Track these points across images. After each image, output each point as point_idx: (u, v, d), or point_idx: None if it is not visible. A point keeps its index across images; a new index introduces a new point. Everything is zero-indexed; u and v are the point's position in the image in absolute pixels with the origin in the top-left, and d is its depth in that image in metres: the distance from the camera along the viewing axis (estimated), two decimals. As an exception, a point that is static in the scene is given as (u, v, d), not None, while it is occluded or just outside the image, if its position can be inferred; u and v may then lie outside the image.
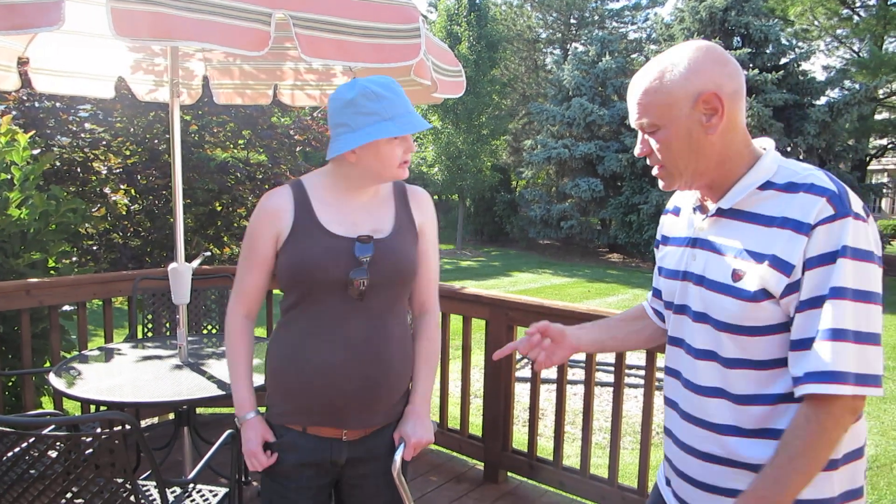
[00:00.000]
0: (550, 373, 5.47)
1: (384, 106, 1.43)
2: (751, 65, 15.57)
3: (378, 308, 1.54)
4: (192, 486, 2.13)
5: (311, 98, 3.62)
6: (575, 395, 5.38)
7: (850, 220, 1.09)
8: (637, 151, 1.29)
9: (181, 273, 2.63)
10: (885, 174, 26.50)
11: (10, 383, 3.62)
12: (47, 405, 3.78)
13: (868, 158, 19.77)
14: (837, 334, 1.07)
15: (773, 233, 1.14)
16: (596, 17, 28.23)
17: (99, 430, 2.43)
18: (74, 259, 4.48)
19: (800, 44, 17.36)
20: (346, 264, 1.49)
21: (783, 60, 16.18)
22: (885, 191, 19.99)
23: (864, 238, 1.10)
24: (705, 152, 1.21)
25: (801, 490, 1.12)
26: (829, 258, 1.09)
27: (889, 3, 18.70)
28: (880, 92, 18.19)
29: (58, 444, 1.51)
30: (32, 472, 1.54)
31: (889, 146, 20.48)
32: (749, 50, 15.49)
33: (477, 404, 5.19)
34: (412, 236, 1.61)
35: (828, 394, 1.07)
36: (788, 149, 15.15)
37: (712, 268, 1.22)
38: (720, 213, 1.24)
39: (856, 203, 1.12)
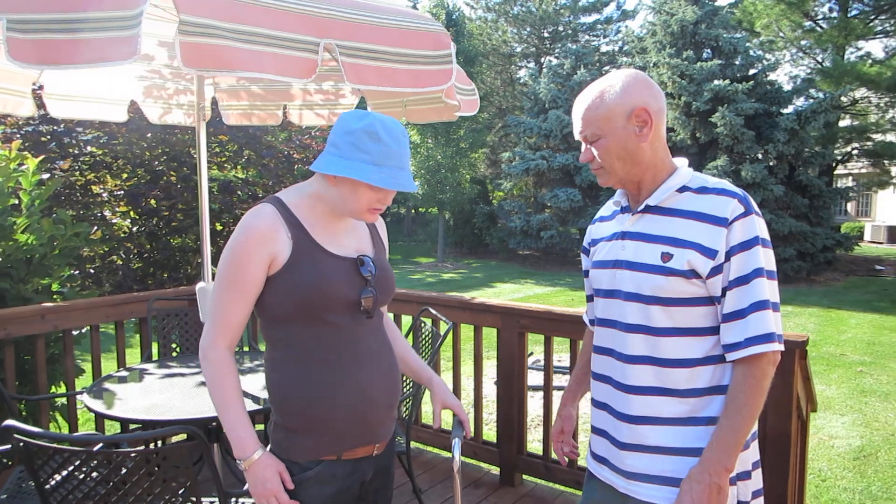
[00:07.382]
0: (563, 381, 5.57)
1: (379, 150, 1.41)
2: (721, 76, 16.01)
3: (377, 322, 1.62)
4: (236, 499, 2.18)
5: (320, 117, 3.70)
6: (586, 401, 5.48)
7: (755, 217, 1.41)
8: (581, 158, 1.53)
9: (209, 292, 2.69)
10: (851, 178, 27.29)
11: (20, 409, 3.59)
12: (53, 430, 3.76)
13: (835, 164, 20.38)
14: (765, 305, 1.38)
15: (691, 224, 1.43)
16: (569, 31, 28.72)
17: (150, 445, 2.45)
18: (77, 283, 4.47)
19: (767, 55, 17.90)
20: (355, 283, 1.53)
21: (752, 71, 16.66)
22: (850, 194, 20.65)
23: (766, 231, 1.43)
24: (638, 157, 1.48)
25: (748, 433, 1.40)
26: (747, 245, 1.39)
27: (849, 14, 19.38)
28: (844, 100, 18.80)
29: (126, 459, 1.57)
30: (100, 488, 1.60)
31: (853, 152, 21.16)
32: (719, 61, 15.94)
33: (490, 411, 5.27)
34: (384, 251, 1.72)
35: (765, 352, 1.37)
36: (760, 156, 15.56)
37: (643, 253, 1.48)
38: (647, 209, 1.51)
39: (755, 205, 1.43)
